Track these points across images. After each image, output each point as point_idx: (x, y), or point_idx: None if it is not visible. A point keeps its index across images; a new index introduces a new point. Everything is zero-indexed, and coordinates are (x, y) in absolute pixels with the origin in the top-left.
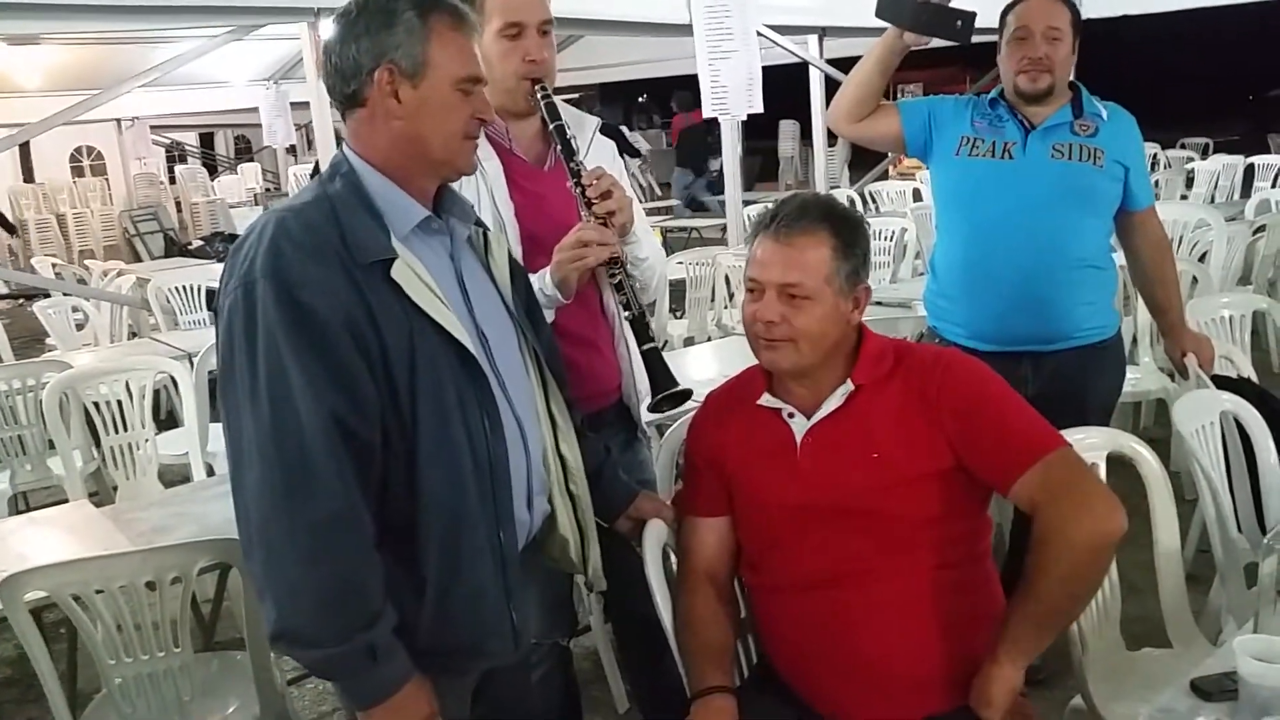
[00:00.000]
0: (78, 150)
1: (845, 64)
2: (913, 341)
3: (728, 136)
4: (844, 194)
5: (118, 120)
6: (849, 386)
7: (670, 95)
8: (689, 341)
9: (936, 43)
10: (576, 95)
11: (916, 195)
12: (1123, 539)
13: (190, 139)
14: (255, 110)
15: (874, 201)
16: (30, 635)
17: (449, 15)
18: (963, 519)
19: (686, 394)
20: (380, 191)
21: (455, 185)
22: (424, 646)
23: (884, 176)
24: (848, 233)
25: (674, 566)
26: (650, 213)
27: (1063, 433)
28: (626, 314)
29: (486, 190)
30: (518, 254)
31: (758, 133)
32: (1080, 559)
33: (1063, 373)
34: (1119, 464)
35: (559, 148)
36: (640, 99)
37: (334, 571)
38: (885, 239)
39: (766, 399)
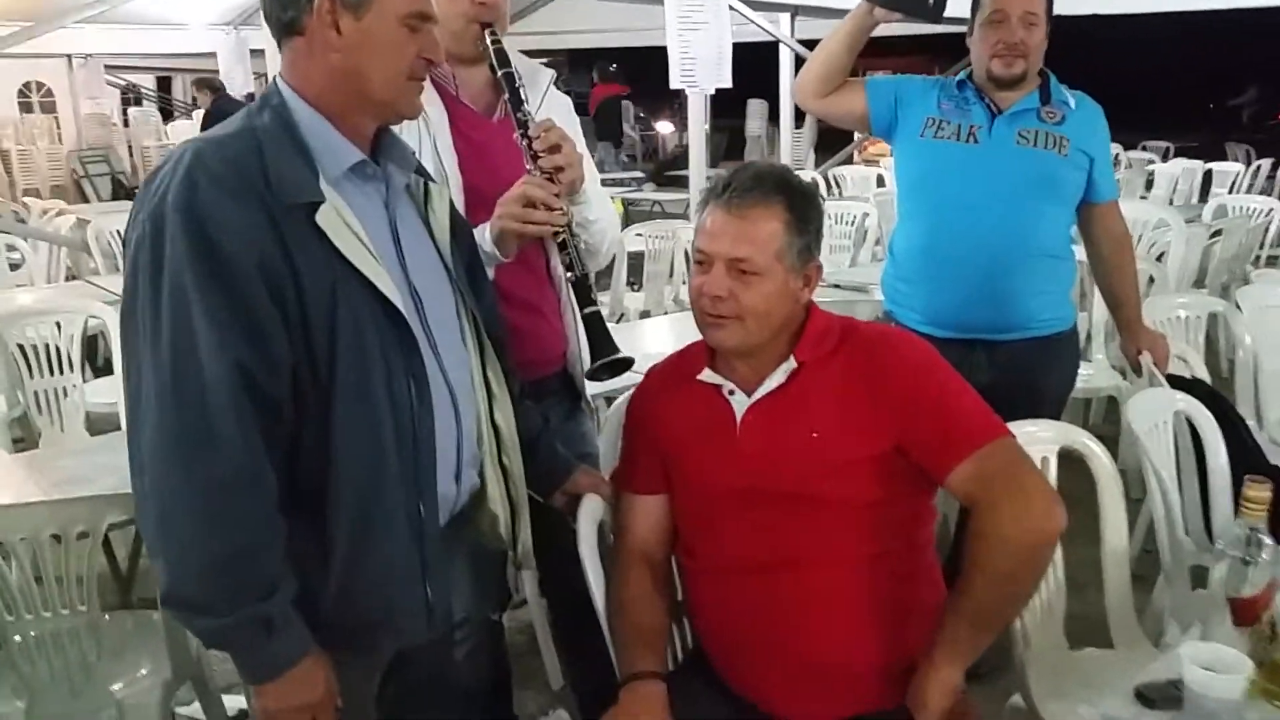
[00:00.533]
0: (26, 85)
1: (816, 44)
2: (859, 320)
3: (695, 111)
4: (808, 175)
5: (69, 56)
6: (791, 364)
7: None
8: (645, 315)
9: (906, 29)
10: (544, 60)
11: (880, 181)
12: (1069, 535)
13: (148, 81)
14: (214, 55)
15: (838, 185)
16: None
17: None
18: (904, 505)
19: (627, 362)
20: (312, 128)
21: (395, 130)
22: (328, 620)
23: (849, 160)
24: (802, 206)
25: (610, 545)
26: (612, 183)
27: (1014, 424)
28: (569, 275)
29: (429, 137)
30: (459, 206)
31: (725, 110)
32: (1016, 558)
33: (1016, 363)
34: (1069, 459)
35: (507, 96)
36: (611, 68)
37: (229, 535)
38: (847, 223)
39: (707, 374)
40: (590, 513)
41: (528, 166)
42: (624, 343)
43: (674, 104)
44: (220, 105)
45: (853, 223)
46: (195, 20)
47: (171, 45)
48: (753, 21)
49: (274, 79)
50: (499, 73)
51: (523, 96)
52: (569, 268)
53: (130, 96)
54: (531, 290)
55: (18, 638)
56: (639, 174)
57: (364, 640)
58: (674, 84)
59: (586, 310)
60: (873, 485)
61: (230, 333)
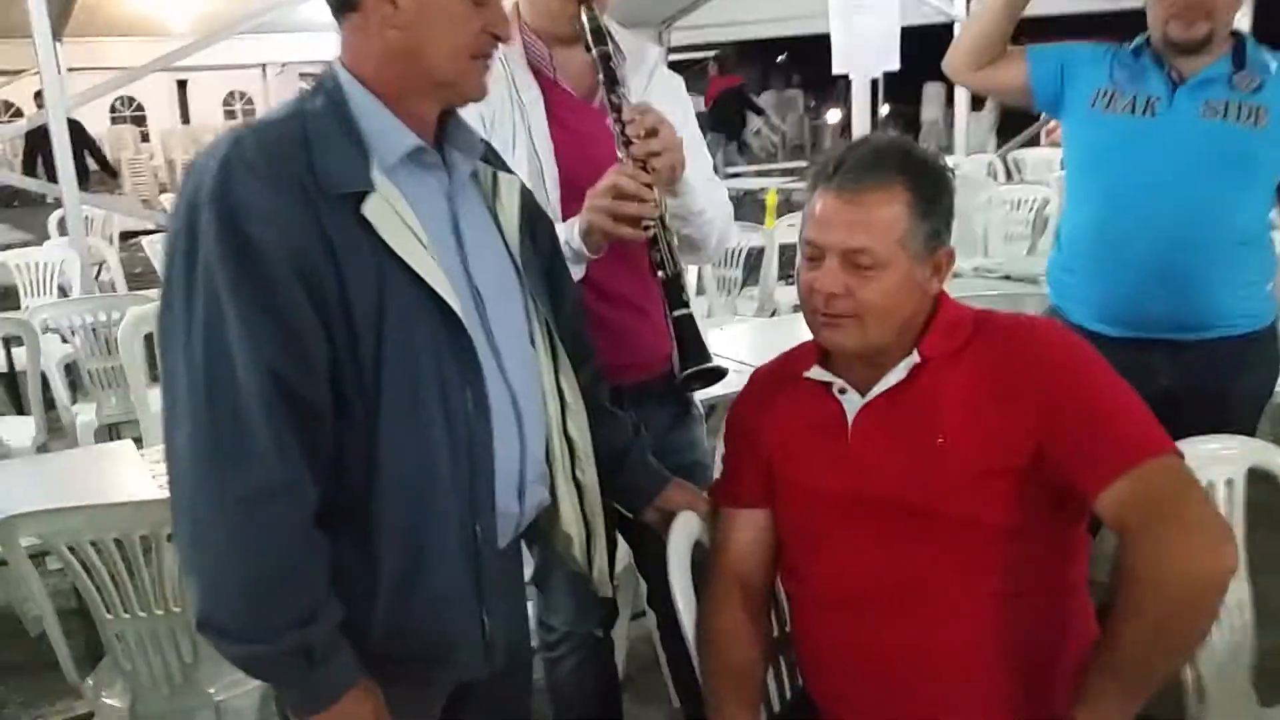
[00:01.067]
0: (230, 95)
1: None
2: (996, 310)
3: (859, 96)
4: (986, 160)
5: (263, 66)
6: (914, 358)
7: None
8: (798, 308)
9: (1075, 4)
10: (711, 54)
11: (1063, 164)
12: (1262, 565)
13: None
14: None
15: (1017, 170)
16: (31, 580)
17: None
18: (1047, 533)
19: (719, 373)
20: (367, 113)
21: (485, 117)
22: (377, 651)
23: (1034, 142)
24: (928, 184)
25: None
26: (768, 174)
27: (1196, 440)
28: (659, 273)
29: (523, 125)
30: (554, 200)
31: (900, 96)
32: (1172, 603)
33: (1202, 367)
34: (1261, 479)
35: (601, 76)
36: (778, 59)
37: (266, 555)
38: (1025, 209)
39: (816, 371)
40: (683, 532)
41: (619, 154)
42: (767, 339)
43: (846, 92)
44: None
45: (1031, 208)
46: None
47: None
48: (926, 2)
49: (333, 61)
50: (593, 51)
51: (618, 77)
52: (659, 265)
53: None
54: (633, 287)
55: (117, 637)
56: (742, 166)
57: (417, 673)
58: (837, 69)
59: (677, 313)
60: (1009, 505)
61: (263, 334)
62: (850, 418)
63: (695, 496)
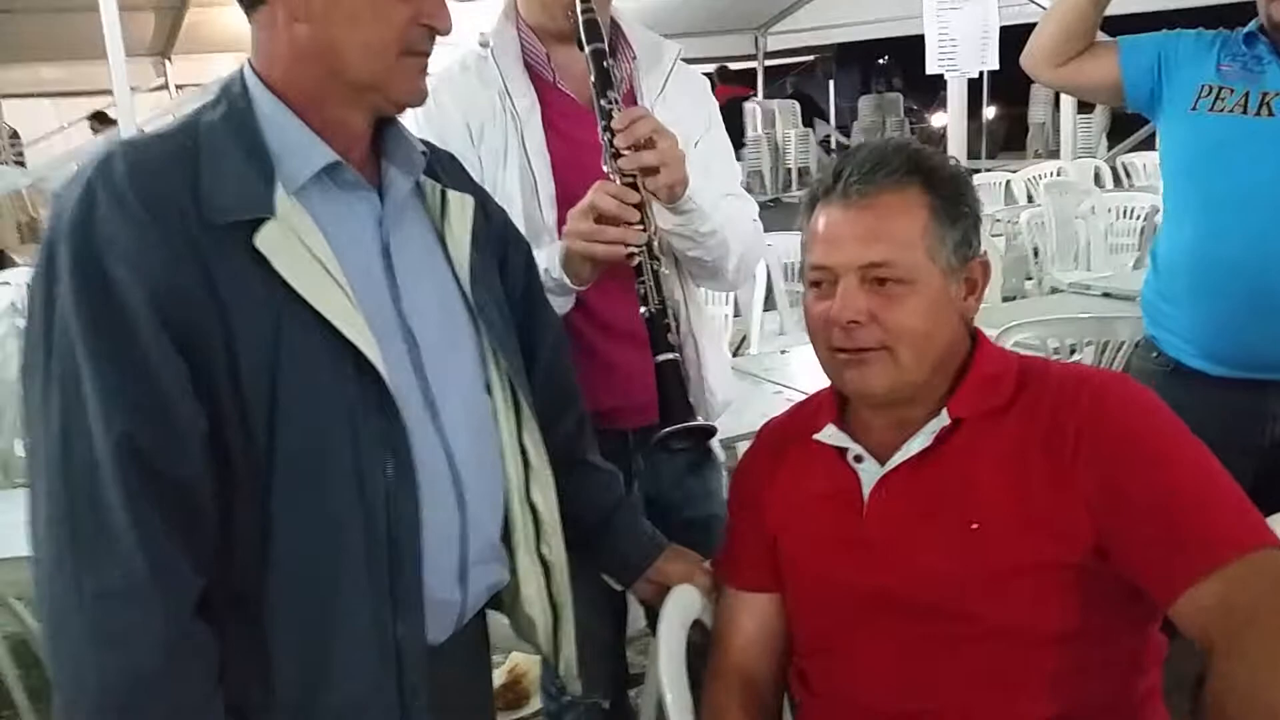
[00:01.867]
0: None
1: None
2: (1054, 360)
3: (955, 97)
4: (1092, 164)
5: None
6: (943, 419)
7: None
8: None
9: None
10: (811, 58)
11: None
12: None
13: None
14: None
15: (1127, 175)
16: None
17: None
18: (1110, 642)
19: (706, 432)
20: (274, 124)
21: (473, 126)
22: None
23: (1148, 144)
24: (947, 186)
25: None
26: None
27: None
28: (642, 309)
29: (517, 135)
30: (549, 220)
31: (1008, 97)
32: None
33: None
34: None
35: (592, 77)
36: (880, 60)
37: (130, 658)
38: (1132, 218)
39: (828, 433)
40: (677, 610)
41: (605, 168)
42: (789, 368)
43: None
44: None
45: (1139, 217)
46: (468, 40)
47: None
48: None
49: (243, 63)
50: (586, 49)
51: (612, 79)
52: (643, 300)
53: None
54: (636, 317)
55: None
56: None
57: None
58: (931, 68)
59: (660, 357)
60: (1062, 608)
61: (117, 397)
62: (866, 491)
63: (695, 568)
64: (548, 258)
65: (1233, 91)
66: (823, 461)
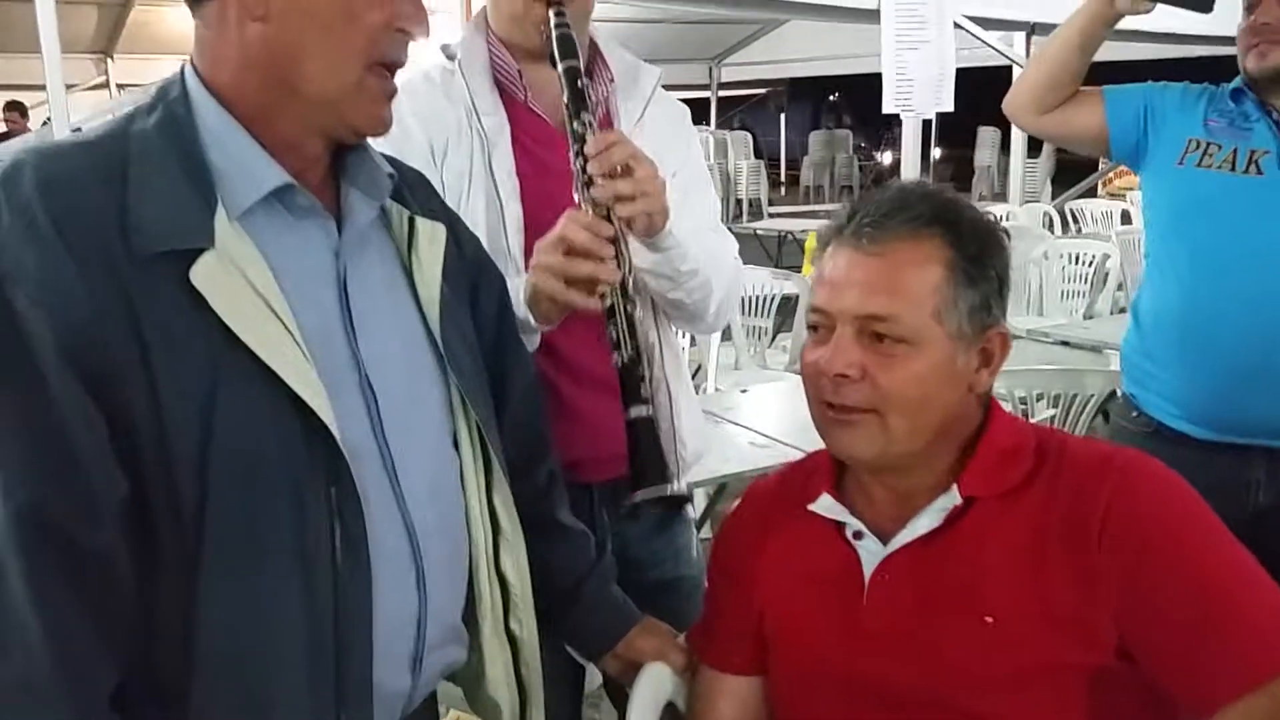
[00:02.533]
0: None
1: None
2: (1071, 434)
3: (909, 137)
4: (1042, 210)
5: None
6: (953, 497)
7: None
8: None
9: (1153, 50)
10: (764, 91)
11: (1125, 218)
12: None
13: None
14: None
15: (1075, 221)
16: None
17: None
18: None
19: (679, 500)
20: (219, 137)
21: (436, 145)
22: None
23: (1091, 193)
24: (973, 240)
25: None
26: (803, 215)
27: None
28: (614, 357)
29: (483, 157)
30: (515, 250)
31: (954, 139)
32: None
33: None
34: None
35: (565, 97)
36: (831, 97)
37: None
38: (1084, 264)
39: (824, 504)
40: (648, 692)
41: (576, 197)
42: (798, 409)
43: (896, 132)
44: None
45: (1090, 263)
46: (421, 55)
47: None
48: (984, 42)
49: (183, 64)
50: (559, 66)
51: (588, 100)
52: (615, 345)
53: None
54: (604, 362)
55: None
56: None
57: None
58: (887, 107)
59: (632, 412)
60: (1084, 712)
61: (22, 458)
62: (868, 573)
63: (668, 644)
64: (512, 293)
65: (1220, 148)
66: (818, 535)
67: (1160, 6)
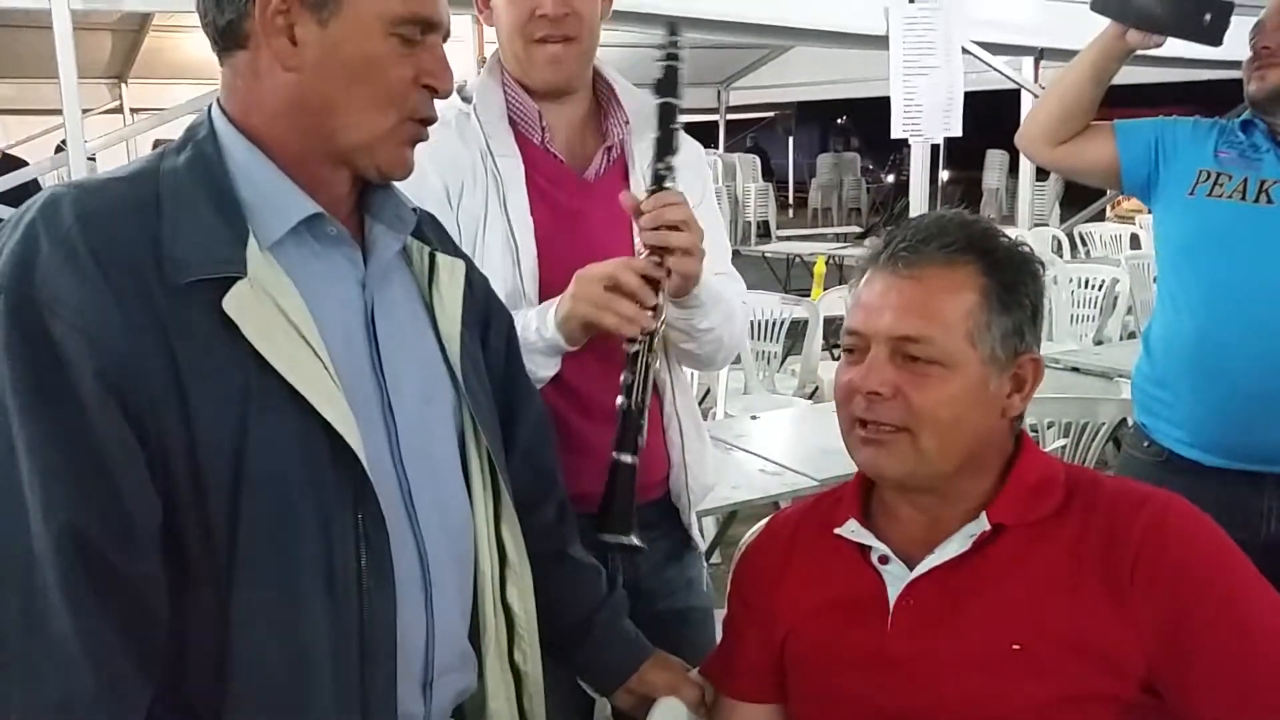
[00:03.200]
0: None
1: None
2: (1100, 473)
3: (917, 161)
4: (1050, 233)
5: None
6: (982, 523)
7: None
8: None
9: (1169, 74)
10: (772, 114)
11: (1134, 241)
12: None
13: None
14: None
15: (1084, 245)
16: None
17: None
18: None
19: (633, 550)
20: (249, 173)
21: (451, 187)
22: None
23: (1099, 217)
24: (1008, 271)
25: None
26: (811, 238)
27: None
28: (620, 400)
29: (498, 198)
30: (529, 291)
31: (962, 162)
32: None
33: None
34: None
35: (656, 134)
36: (839, 120)
37: None
38: (1092, 288)
39: (851, 528)
40: None
41: (636, 238)
42: (806, 436)
43: (904, 155)
44: None
45: (1100, 287)
46: None
47: None
48: (991, 67)
49: (209, 106)
50: (658, 100)
51: (675, 142)
52: (625, 390)
53: None
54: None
55: None
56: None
57: None
58: (895, 133)
59: (623, 458)
60: None
61: (59, 481)
62: (893, 598)
63: (681, 678)
64: (537, 316)
65: (1231, 178)
66: (843, 561)
67: (1170, 38)
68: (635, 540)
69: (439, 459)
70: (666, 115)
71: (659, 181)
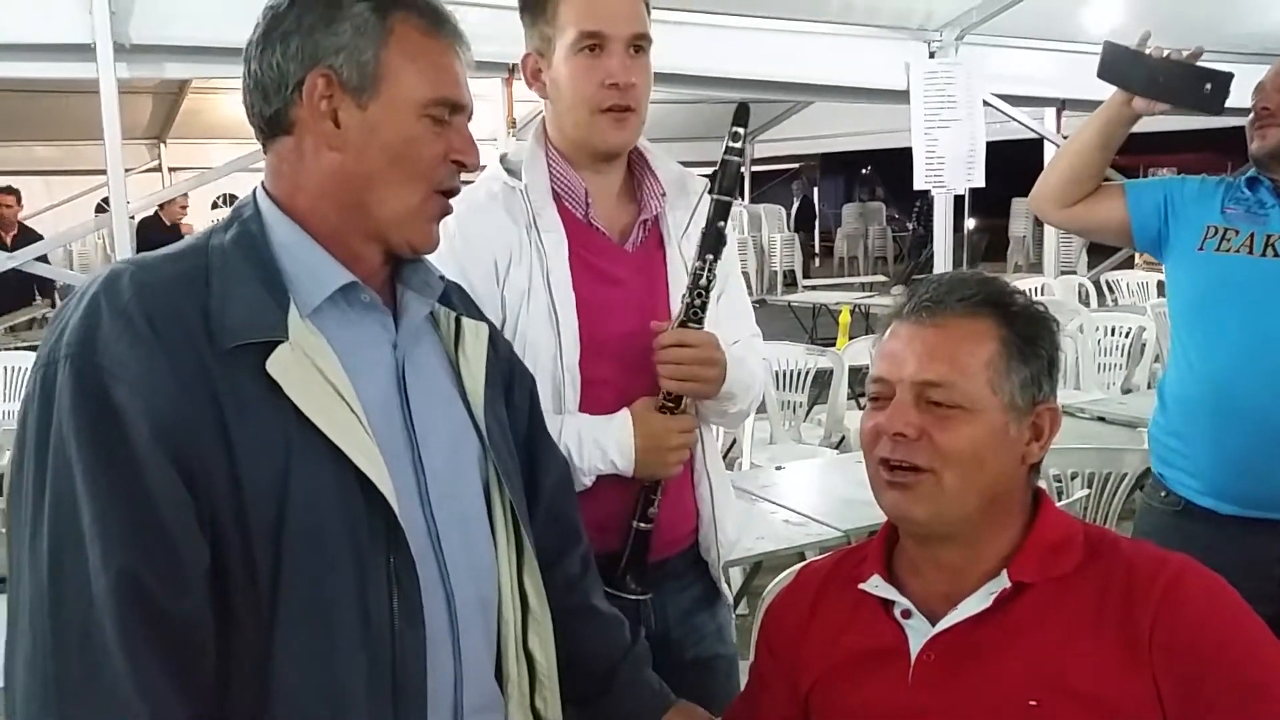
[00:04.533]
0: None
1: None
2: (1119, 534)
3: (940, 211)
4: (1077, 281)
5: None
6: (1003, 581)
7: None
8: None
9: (1192, 121)
10: (797, 165)
11: (1162, 289)
12: None
13: None
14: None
15: (1111, 292)
16: None
17: (420, 17)
18: None
19: (637, 602)
20: (290, 248)
21: (499, 260)
22: None
23: (1128, 264)
24: (1025, 324)
25: None
26: (837, 287)
27: None
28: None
29: (542, 272)
30: (570, 360)
31: (988, 209)
32: None
33: None
34: None
35: (705, 226)
36: (864, 170)
37: None
38: (1120, 336)
39: (875, 583)
40: None
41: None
42: (832, 486)
43: (930, 203)
44: None
45: (1127, 335)
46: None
47: None
48: (1012, 118)
49: (255, 189)
50: (714, 196)
51: (722, 244)
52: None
53: None
54: None
55: None
56: None
57: None
58: (918, 184)
59: (640, 526)
60: None
61: (117, 530)
62: (914, 652)
63: None
64: (595, 427)
65: (1238, 233)
66: (867, 614)
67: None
68: (642, 596)
69: (465, 506)
70: (718, 212)
71: (698, 277)
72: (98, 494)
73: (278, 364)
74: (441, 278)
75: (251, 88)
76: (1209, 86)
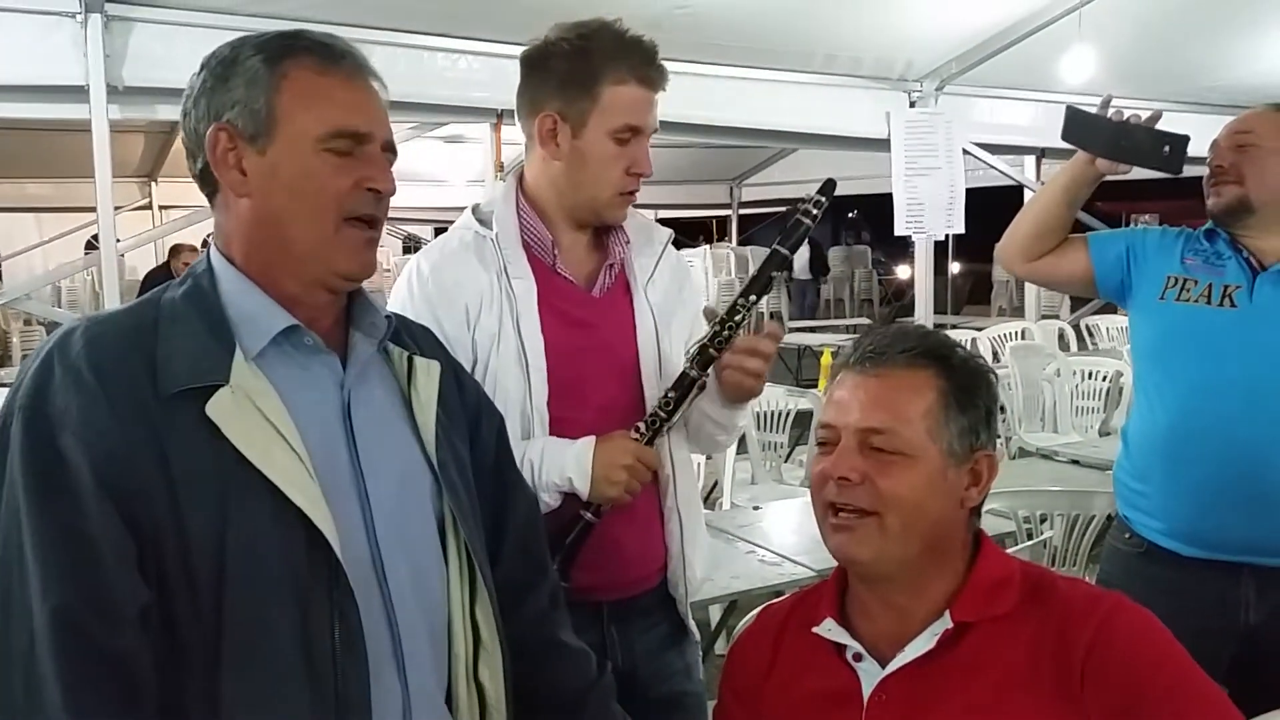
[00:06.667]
0: None
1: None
2: (1056, 572)
3: (921, 256)
4: (1056, 326)
5: None
6: (945, 622)
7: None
8: None
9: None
10: (783, 209)
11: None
12: None
13: (425, 232)
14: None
15: (1091, 336)
16: None
17: (312, 57)
18: None
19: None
20: (235, 296)
21: (471, 306)
22: None
23: (1109, 309)
24: (963, 376)
25: None
26: (823, 329)
27: None
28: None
29: (511, 317)
30: (539, 401)
31: (971, 254)
32: None
33: None
34: None
35: (755, 271)
36: (850, 214)
37: None
38: (1097, 379)
39: (827, 627)
40: None
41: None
42: (809, 526)
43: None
44: None
45: (1105, 379)
46: (455, 178)
47: (437, 200)
48: (992, 166)
49: (209, 248)
50: (776, 245)
51: (768, 289)
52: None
53: (410, 245)
54: (634, 495)
55: None
56: None
57: None
58: (899, 230)
59: (586, 516)
60: None
61: (53, 569)
62: (866, 694)
63: None
64: (557, 452)
65: (1197, 283)
66: (822, 657)
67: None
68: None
69: (414, 536)
70: (773, 261)
71: (733, 315)
72: (41, 534)
73: (217, 407)
74: (389, 318)
75: (186, 151)
76: (1167, 149)
